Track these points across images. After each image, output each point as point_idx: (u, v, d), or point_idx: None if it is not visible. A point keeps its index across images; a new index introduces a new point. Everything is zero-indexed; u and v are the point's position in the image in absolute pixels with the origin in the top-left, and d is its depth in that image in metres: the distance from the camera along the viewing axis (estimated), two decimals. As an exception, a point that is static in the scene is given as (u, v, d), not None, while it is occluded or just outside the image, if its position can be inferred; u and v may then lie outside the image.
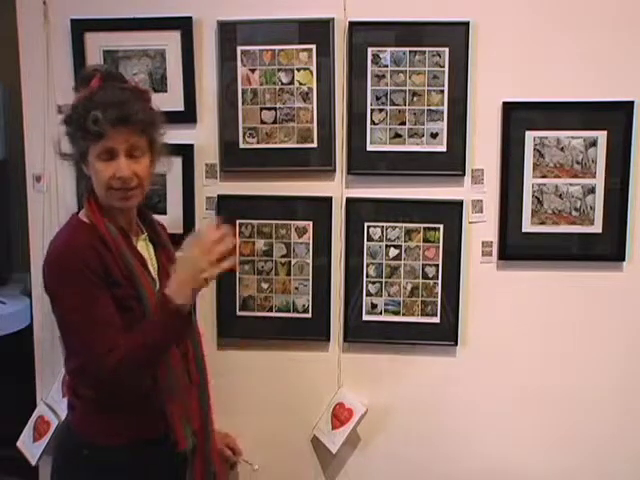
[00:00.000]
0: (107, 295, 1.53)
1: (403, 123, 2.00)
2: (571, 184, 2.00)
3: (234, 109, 2.03)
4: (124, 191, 1.56)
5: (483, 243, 2.04)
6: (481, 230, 2.04)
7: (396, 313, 2.07)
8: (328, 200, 2.05)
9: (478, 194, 2.03)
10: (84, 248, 1.51)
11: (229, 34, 2.01)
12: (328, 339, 2.10)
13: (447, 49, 1.96)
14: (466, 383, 2.09)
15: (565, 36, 1.95)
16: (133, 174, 1.55)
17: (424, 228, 2.03)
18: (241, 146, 2.05)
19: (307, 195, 2.05)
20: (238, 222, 2.07)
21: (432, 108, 1.99)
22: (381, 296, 2.07)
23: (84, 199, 1.62)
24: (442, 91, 1.98)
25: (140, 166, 1.57)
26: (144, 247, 1.69)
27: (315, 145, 2.03)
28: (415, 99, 1.99)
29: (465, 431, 2.11)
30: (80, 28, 2.04)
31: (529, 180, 2.00)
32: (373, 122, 2.01)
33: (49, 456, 2.12)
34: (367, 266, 2.06)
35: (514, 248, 2.02)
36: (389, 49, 1.98)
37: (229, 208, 2.07)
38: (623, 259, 2.02)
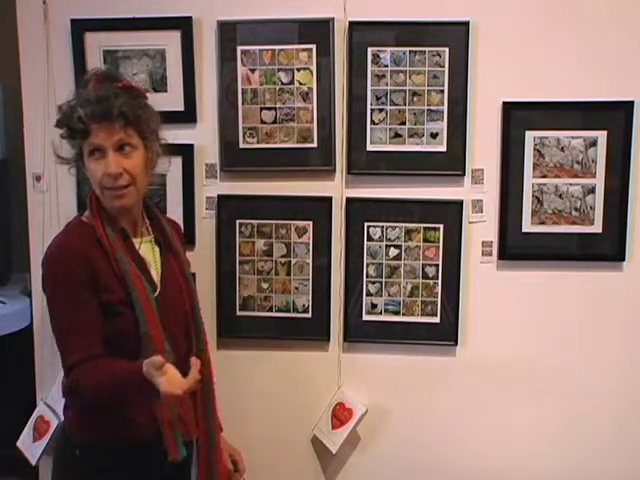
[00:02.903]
0: (91, 301, 1.51)
1: (403, 123, 2.00)
2: (571, 184, 2.00)
3: (234, 109, 2.03)
4: (115, 189, 1.52)
5: (483, 243, 2.04)
6: (481, 230, 2.04)
7: (396, 313, 2.07)
8: (328, 200, 2.05)
9: (478, 194, 2.03)
10: (73, 251, 1.51)
11: (229, 34, 2.01)
12: (328, 339, 2.10)
13: (447, 49, 1.96)
14: (466, 383, 2.09)
15: (565, 36, 1.96)
16: (123, 170, 1.51)
17: (424, 228, 2.03)
18: (241, 146, 2.05)
19: (307, 195, 2.05)
20: (238, 222, 2.07)
21: (432, 108, 1.99)
22: (381, 296, 2.07)
23: (87, 200, 1.61)
24: (442, 91, 1.98)
25: (131, 162, 1.53)
26: (149, 249, 1.65)
27: (315, 145, 2.03)
28: (415, 99, 1.99)
29: (465, 431, 2.11)
30: (80, 28, 2.05)
31: (529, 180, 2.00)
32: (373, 122, 2.01)
33: (49, 456, 2.12)
34: (367, 266, 2.06)
35: (514, 248, 2.02)
36: (389, 49, 1.98)
37: (229, 208, 2.08)
38: (623, 259, 2.02)
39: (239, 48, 2.01)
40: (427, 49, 1.97)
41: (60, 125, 1.55)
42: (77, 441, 1.58)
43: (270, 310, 2.10)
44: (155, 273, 1.63)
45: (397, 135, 2.01)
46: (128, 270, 1.54)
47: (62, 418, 2.08)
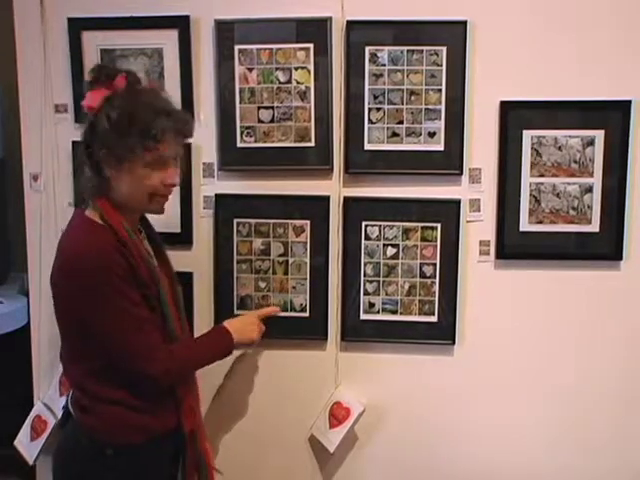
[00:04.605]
0: (139, 295, 1.54)
1: (401, 122, 2.00)
2: (569, 183, 2.00)
3: (232, 108, 2.03)
4: (164, 197, 1.61)
5: (481, 242, 2.04)
6: (479, 229, 2.04)
7: (394, 312, 2.07)
8: (326, 199, 2.05)
9: (476, 193, 2.03)
10: (111, 250, 1.50)
11: (227, 33, 2.01)
12: (326, 338, 2.10)
13: (445, 48, 1.96)
14: (463, 382, 2.09)
15: (562, 35, 1.96)
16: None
17: (422, 227, 2.03)
18: (239, 145, 2.05)
19: (305, 194, 2.05)
20: (235, 221, 2.07)
21: (430, 107, 1.99)
22: (379, 295, 2.07)
23: (93, 200, 1.57)
24: (440, 90, 1.98)
25: (179, 172, 1.62)
26: (147, 246, 1.69)
27: (313, 144, 2.03)
28: (413, 98, 1.99)
29: (463, 430, 2.11)
30: (77, 27, 2.04)
31: (527, 179, 2.00)
32: (371, 121, 2.01)
33: (46, 455, 2.13)
34: (365, 265, 2.06)
35: (512, 247, 2.02)
36: (387, 48, 1.98)
37: (227, 207, 2.07)
38: (620, 258, 2.02)
39: (236, 47, 2.01)
40: (425, 48, 1.97)
41: (123, 129, 1.50)
42: (107, 441, 1.58)
43: (268, 309, 2.10)
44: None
45: (395, 134, 2.01)
46: (154, 267, 1.59)
47: (59, 417, 2.10)
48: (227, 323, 1.81)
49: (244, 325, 1.85)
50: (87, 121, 1.55)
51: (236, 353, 2.11)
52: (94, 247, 1.51)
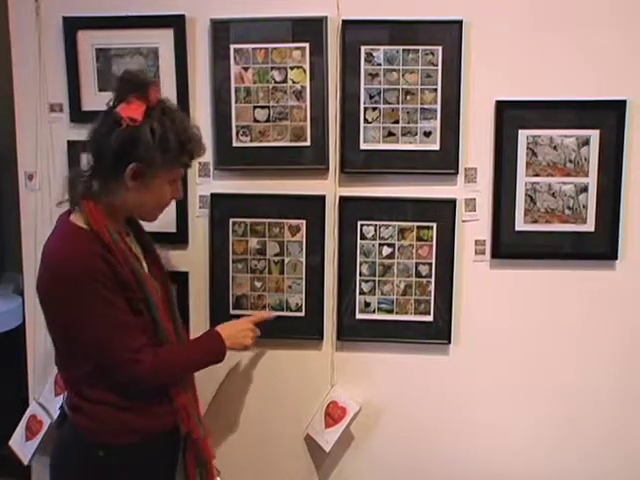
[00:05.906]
0: (122, 300, 1.53)
1: (396, 122, 2.00)
2: (564, 183, 2.00)
3: (227, 107, 2.03)
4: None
5: (476, 242, 2.05)
6: (474, 229, 2.04)
7: (389, 312, 2.07)
8: (321, 198, 2.05)
9: (471, 193, 2.03)
10: (93, 256, 1.50)
11: (222, 32, 2.00)
12: (321, 338, 2.10)
13: (440, 48, 1.96)
14: (459, 382, 2.09)
15: (558, 35, 1.96)
16: None
17: (417, 227, 2.03)
18: (234, 144, 2.05)
19: (300, 193, 2.05)
20: (231, 221, 2.07)
21: (425, 107, 1.99)
22: (374, 295, 2.07)
23: (80, 203, 1.57)
24: (435, 90, 1.98)
25: None
26: (136, 248, 1.69)
27: (308, 143, 2.03)
28: (408, 98, 1.99)
29: (459, 429, 2.11)
30: (72, 26, 2.04)
31: (522, 179, 2.00)
32: (366, 121, 2.01)
33: (42, 455, 2.12)
34: (360, 265, 2.06)
35: (507, 247, 2.03)
36: (382, 47, 1.98)
37: (222, 207, 2.07)
38: (616, 257, 2.02)
39: (232, 46, 2.01)
40: (420, 48, 1.97)
41: (162, 149, 1.53)
42: (99, 442, 1.57)
43: (263, 309, 2.09)
44: (145, 270, 1.66)
45: (390, 134, 2.01)
46: (139, 270, 1.58)
47: (55, 417, 2.10)
48: (220, 328, 1.79)
49: (237, 331, 1.83)
50: (124, 132, 1.51)
51: (232, 352, 2.12)
52: (76, 253, 1.51)
